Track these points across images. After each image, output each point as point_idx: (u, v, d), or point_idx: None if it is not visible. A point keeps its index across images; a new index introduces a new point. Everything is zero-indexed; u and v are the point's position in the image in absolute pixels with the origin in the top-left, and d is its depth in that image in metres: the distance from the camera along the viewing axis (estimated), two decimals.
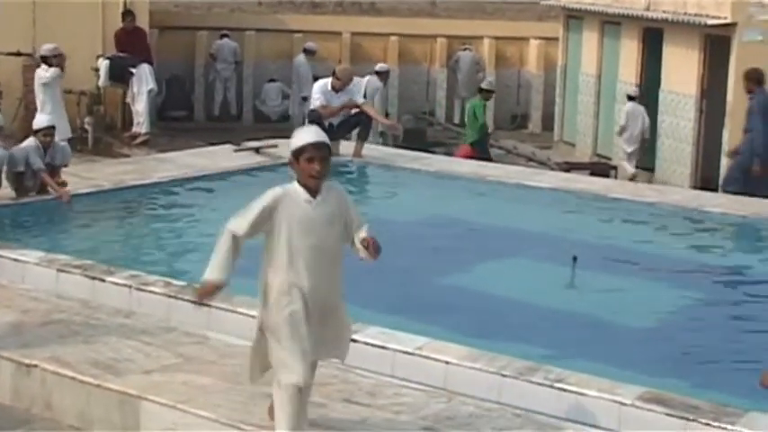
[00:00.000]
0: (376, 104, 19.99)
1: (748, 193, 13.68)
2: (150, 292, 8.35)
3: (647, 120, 19.54)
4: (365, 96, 15.86)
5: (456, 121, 25.51)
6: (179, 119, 23.87)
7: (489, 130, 19.67)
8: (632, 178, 18.75)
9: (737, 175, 14.89)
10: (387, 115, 21.29)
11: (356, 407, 6.59)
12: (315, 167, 5.79)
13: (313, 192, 5.86)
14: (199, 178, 13.20)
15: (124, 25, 19.29)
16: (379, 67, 21.13)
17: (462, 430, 6.31)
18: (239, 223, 6.11)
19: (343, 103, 14.60)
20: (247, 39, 25.03)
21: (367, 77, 19.52)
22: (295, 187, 5.89)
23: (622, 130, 19.69)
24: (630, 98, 19.77)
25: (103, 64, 18.99)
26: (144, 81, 18.94)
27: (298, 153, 5.84)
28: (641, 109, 19.58)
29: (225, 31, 24.74)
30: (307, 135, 5.90)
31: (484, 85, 19.71)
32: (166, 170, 13.35)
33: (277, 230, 5.90)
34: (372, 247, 6.10)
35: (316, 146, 5.81)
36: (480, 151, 18.45)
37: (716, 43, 18.10)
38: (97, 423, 6.85)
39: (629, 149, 19.54)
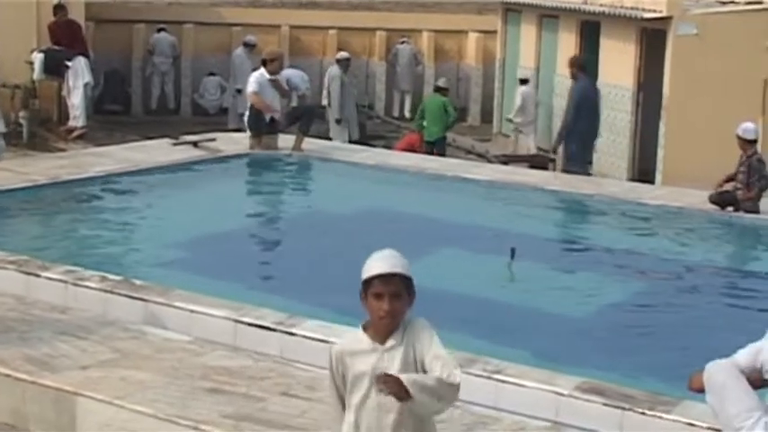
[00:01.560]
0: (334, 92, 20.04)
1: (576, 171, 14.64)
2: (86, 287, 8.28)
3: (538, 101, 21.57)
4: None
5: (395, 114, 25.54)
6: (116, 113, 23.66)
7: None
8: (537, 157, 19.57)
9: (579, 156, 15.80)
10: (370, 107, 21.34)
11: (295, 400, 6.58)
12: (383, 307, 4.54)
13: (382, 337, 4.61)
14: (136, 172, 13.10)
15: (56, 18, 19.08)
16: (339, 55, 21.19)
17: None
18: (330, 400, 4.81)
19: (279, 91, 14.63)
20: (186, 32, 24.86)
21: (329, 69, 20.31)
22: (357, 335, 4.67)
23: (519, 112, 21.10)
24: (523, 81, 21.36)
25: (38, 57, 18.77)
26: (80, 74, 18.75)
27: (365, 286, 4.63)
28: (533, 92, 21.42)
29: (162, 25, 24.56)
30: (374, 264, 4.67)
31: (442, 84, 20.44)
32: (103, 164, 13.24)
33: (348, 389, 4.65)
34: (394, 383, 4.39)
35: (384, 279, 4.58)
36: (440, 148, 18.72)
37: (652, 37, 18.24)
38: (32, 420, 6.78)
39: (526, 128, 20.89)
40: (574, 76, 16.27)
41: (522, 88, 21.29)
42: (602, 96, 18.97)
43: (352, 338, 4.70)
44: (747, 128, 12.18)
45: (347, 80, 20.81)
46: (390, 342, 4.59)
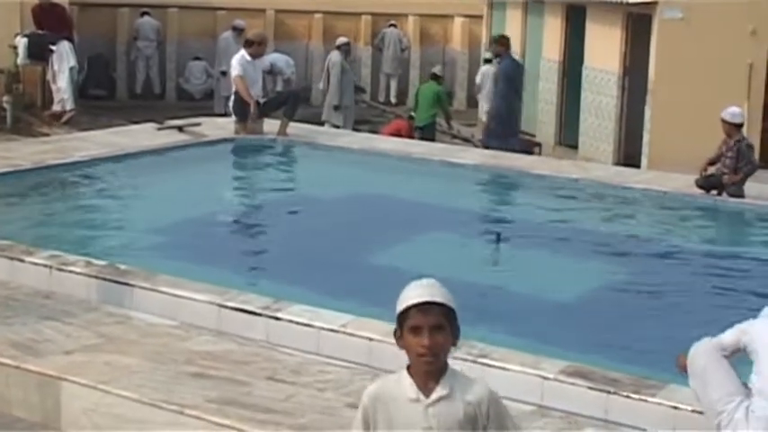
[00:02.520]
0: (334, 78, 19.99)
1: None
2: (71, 272, 8.26)
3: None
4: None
5: (381, 99, 25.51)
6: (101, 97, 23.59)
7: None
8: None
9: (498, 131, 16.03)
10: (363, 90, 21.29)
11: (280, 384, 6.58)
12: (422, 342, 3.84)
13: (425, 382, 3.89)
14: (121, 157, 13.06)
15: (40, 2, 18.97)
16: (339, 40, 21.10)
17: None
18: None
19: (262, 74, 14.61)
20: (170, 16, 24.79)
21: (330, 54, 20.11)
22: (399, 378, 3.95)
23: (479, 90, 21.40)
24: (487, 61, 21.34)
25: (21, 42, 18.69)
26: (65, 58, 18.68)
27: (401, 321, 3.95)
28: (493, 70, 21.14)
29: (146, 9, 24.48)
30: (410, 293, 3.98)
31: (437, 71, 20.50)
32: (87, 149, 13.20)
33: None
34: None
35: (422, 309, 3.89)
36: (429, 133, 18.72)
37: (637, 21, 18.25)
38: (16, 405, 6.77)
39: (486, 107, 20.59)
40: (498, 55, 16.39)
41: (484, 67, 21.57)
42: (589, 81, 19.07)
43: (392, 381, 3.99)
44: (735, 112, 12.16)
45: (347, 66, 20.78)
46: (437, 392, 3.87)
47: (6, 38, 18.99)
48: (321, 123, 18.72)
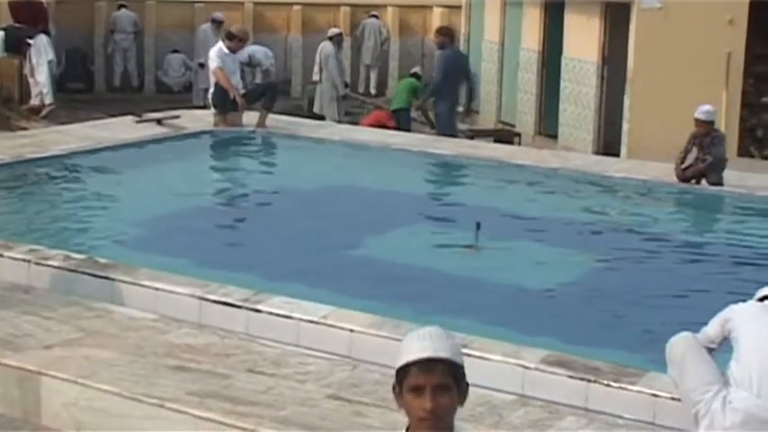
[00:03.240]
0: (333, 70, 19.94)
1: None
2: (50, 266, 8.23)
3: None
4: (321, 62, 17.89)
5: (361, 90, 25.48)
6: (79, 91, 23.49)
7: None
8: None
9: (447, 118, 16.14)
10: (346, 85, 21.19)
11: (260, 377, 6.57)
12: (424, 405, 3.33)
13: None
14: (99, 150, 13.02)
15: None
16: (331, 31, 21.08)
17: (368, 397, 6.33)
18: None
19: (240, 67, 14.58)
20: (148, 9, 24.69)
21: (321, 45, 20.01)
22: None
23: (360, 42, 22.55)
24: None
25: None
26: (43, 52, 18.56)
27: (399, 377, 3.42)
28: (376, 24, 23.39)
29: (122, 2, 24.39)
30: (411, 345, 3.43)
31: (418, 72, 20.45)
32: (66, 142, 13.16)
33: None
34: None
35: (425, 367, 3.36)
36: (405, 122, 18.71)
37: (616, 11, 18.26)
38: None
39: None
40: (442, 45, 16.49)
41: (370, 20, 23.38)
42: (568, 70, 19.09)
43: None
44: (709, 110, 12.20)
45: (341, 57, 20.76)
46: None
47: None
48: (314, 116, 18.65)
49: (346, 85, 22.87)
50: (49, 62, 18.64)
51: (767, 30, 19.21)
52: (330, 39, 20.53)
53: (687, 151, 12.22)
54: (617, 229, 11.01)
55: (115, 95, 23.56)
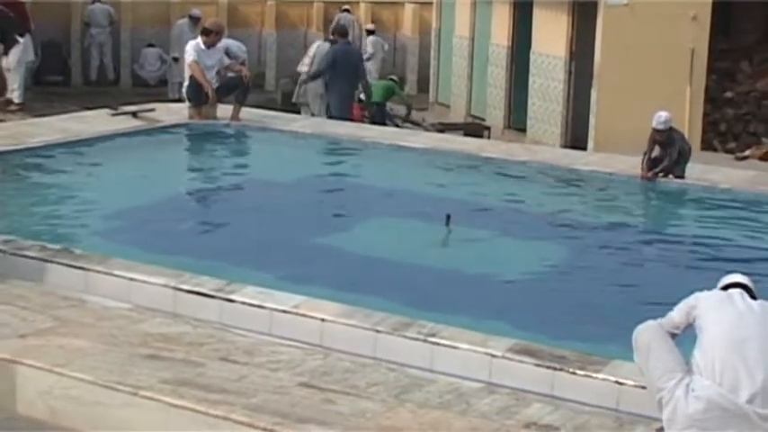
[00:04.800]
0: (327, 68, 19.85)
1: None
2: (25, 256, 8.18)
3: (386, 47, 24.58)
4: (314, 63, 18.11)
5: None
6: (56, 83, 23.39)
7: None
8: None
9: (340, 106, 16.86)
10: None
11: (233, 365, 6.55)
12: None
13: None
14: (74, 143, 12.94)
15: None
16: (332, 31, 21.10)
17: (338, 385, 6.33)
18: None
19: (216, 62, 14.50)
20: (123, 3, 24.59)
21: (317, 43, 19.96)
22: None
23: (370, 58, 22.79)
24: (370, 32, 24.13)
25: None
26: (26, 51, 18.45)
27: None
28: (381, 40, 24.41)
29: None
30: None
31: (395, 79, 20.76)
32: (41, 135, 13.07)
33: None
34: None
35: None
36: (380, 116, 18.72)
37: (583, 7, 18.32)
38: None
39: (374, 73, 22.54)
40: (334, 42, 17.53)
41: (371, 38, 23.94)
42: (536, 65, 19.13)
43: None
44: (667, 119, 12.22)
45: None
46: None
47: None
48: (289, 109, 18.57)
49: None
50: (27, 62, 18.51)
51: (730, 26, 19.34)
52: (327, 40, 20.54)
53: (650, 151, 12.30)
54: (584, 221, 11.04)
55: (91, 89, 23.47)
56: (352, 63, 16.89)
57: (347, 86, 16.92)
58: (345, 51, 17.07)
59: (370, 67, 22.06)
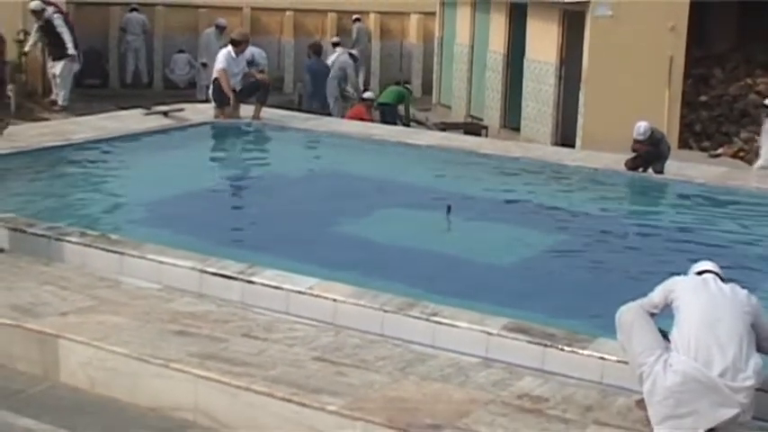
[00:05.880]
0: (351, 77, 20.14)
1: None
2: (67, 241, 8.19)
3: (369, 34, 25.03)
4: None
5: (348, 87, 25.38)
6: (95, 86, 23.33)
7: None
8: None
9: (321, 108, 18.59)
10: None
11: (254, 341, 6.56)
12: None
13: None
14: (111, 139, 12.93)
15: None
16: (350, 50, 21.40)
17: (349, 359, 6.33)
18: None
19: (242, 68, 14.49)
20: (157, 13, 24.54)
21: (336, 53, 20.49)
22: None
23: (354, 44, 23.31)
24: (356, 20, 24.20)
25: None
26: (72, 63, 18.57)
27: None
28: (364, 26, 24.67)
29: (134, 5, 24.25)
30: None
31: (409, 86, 21.03)
32: (82, 132, 13.07)
33: None
34: None
35: None
36: (391, 117, 18.73)
37: (572, 18, 18.27)
38: (19, 360, 6.71)
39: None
40: (309, 56, 20.11)
41: (357, 24, 24.41)
42: (530, 71, 19.06)
43: None
44: (646, 130, 12.16)
45: (356, 68, 21.26)
46: None
47: (11, 34, 18.73)
48: (304, 110, 18.51)
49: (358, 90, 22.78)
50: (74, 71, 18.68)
51: (704, 36, 19.29)
52: (350, 54, 20.61)
53: (633, 159, 12.29)
54: (572, 211, 11.00)
55: (127, 91, 23.42)
56: (322, 73, 19.53)
57: (320, 90, 19.33)
58: (319, 65, 19.74)
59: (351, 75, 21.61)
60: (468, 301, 7.26)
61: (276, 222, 10.10)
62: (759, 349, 5.60)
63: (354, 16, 25.07)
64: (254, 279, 7.39)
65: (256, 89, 14.69)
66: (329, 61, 20.62)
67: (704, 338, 5.48)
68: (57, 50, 18.29)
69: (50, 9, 18.50)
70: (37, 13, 18.27)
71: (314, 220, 10.16)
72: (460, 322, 6.68)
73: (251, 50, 18.32)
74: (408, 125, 19.35)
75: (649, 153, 12.23)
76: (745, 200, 11.50)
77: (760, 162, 14.13)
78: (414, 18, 26.08)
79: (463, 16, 22.53)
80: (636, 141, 12.18)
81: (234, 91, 14.25)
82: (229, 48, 14.50)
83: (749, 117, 18.37)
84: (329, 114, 18.08)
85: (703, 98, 18.71)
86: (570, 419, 5.68)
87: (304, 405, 5.74)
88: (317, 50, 20.09)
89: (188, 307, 7.14)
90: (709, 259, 6.14)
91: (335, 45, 22.67)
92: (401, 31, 26.31)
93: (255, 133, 14.35)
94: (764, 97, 17.39)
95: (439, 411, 5.67)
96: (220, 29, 22.93)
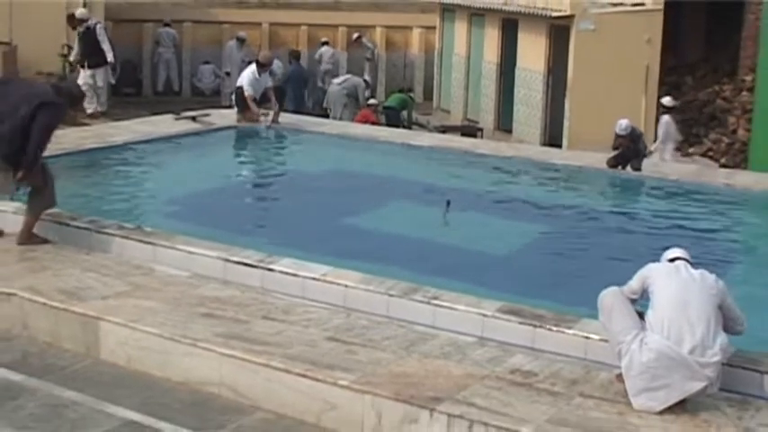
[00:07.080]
0: (360, 89, 19.68)
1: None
2: (107, 233, 8.20)
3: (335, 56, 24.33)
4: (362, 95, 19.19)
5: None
6: (130, 94, 23.34)
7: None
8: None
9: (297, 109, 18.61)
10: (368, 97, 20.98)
11: (273, 322, 6.56)
12: None
13: None
14: (145, 141, 12.93)
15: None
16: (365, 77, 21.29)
17: (358, 339, 6.33)
18: None
19: (263, 85, 14.40)
20: (186, 29, 24.54)
21: (323, 49, 22.24)
22: None
23: (324, 43, 23.66)
24: (324, 43, 23.91)
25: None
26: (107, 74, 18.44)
27: None
28: (332, 49, 24.22)
29: (167, 21, 24.25)
30: None
31: (411, 95, 21.10)
32: (120, 135, 13.06)
33: None
34: None
35: None
36: (395, 118, 18.71)
37: (559, 31, 18.22)
38: (65, 339, 6.73)
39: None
40: (290, 62, 21.03)
41: (324, 48, 23.84)
42: (521, 78, 19.04)
43: None
44: (627, 125, 12.24)
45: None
46: None
47: (55, 47, 18.80)
48: (320, 114, 18.46)
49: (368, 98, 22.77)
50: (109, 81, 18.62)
51: (677, 47, 19.26)
52: (364, 80, 20.56)
53: (616, 147, 12.28)
54: (559, 203, 11.00)
55: (159, 98, 23.41)
56: (303, 79, 20.85)
57: (299, 92, 20.44)
58: (299, 71, 20.90)
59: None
60: (466, 286, 7.27)
61: (293, 216, 10.11)
62: (725, 329, 5.61)
63: (356, 33, 24.72)
64: (273, 267, 7.40)
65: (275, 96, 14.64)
66: (316, 56, 22.35)
67: (676, 319, 5.49)
68: (94, 59, 18.08)
69: (94, 19, 18.38)
70: (81, 22, 17.97)
71: (326, 213, 10.16)
72: (459, 305, 6.69)
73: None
74: (411, 128, 19.34)
75: (629, 150, 12.23)
76: (714, 194, 11.48)
77: (651, 148, 14.08)
78: (416, 31, 26.04)
79: (460, 30, 22.49)
80: (618, 136, 12.20)
81: (255, 100, 14.23)
82: (254, 67, 14.40)
83: (717, 120, 18.35)
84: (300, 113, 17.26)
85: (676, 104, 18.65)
86: (558, 392, 5.68)
87: (318, 380, 5.75)
88: (296, 56, 21.08)
89: (214, 292, 7.14)
90: (680, 246, 6.14)
91: (324, 44, 22.92)
92: (404, 43, 26.26)
93: (274, 136, 14.34)
94: (729, 102, 17.40)
95: (439, 385, 5.68)
96: (241, 41, 22.94)
